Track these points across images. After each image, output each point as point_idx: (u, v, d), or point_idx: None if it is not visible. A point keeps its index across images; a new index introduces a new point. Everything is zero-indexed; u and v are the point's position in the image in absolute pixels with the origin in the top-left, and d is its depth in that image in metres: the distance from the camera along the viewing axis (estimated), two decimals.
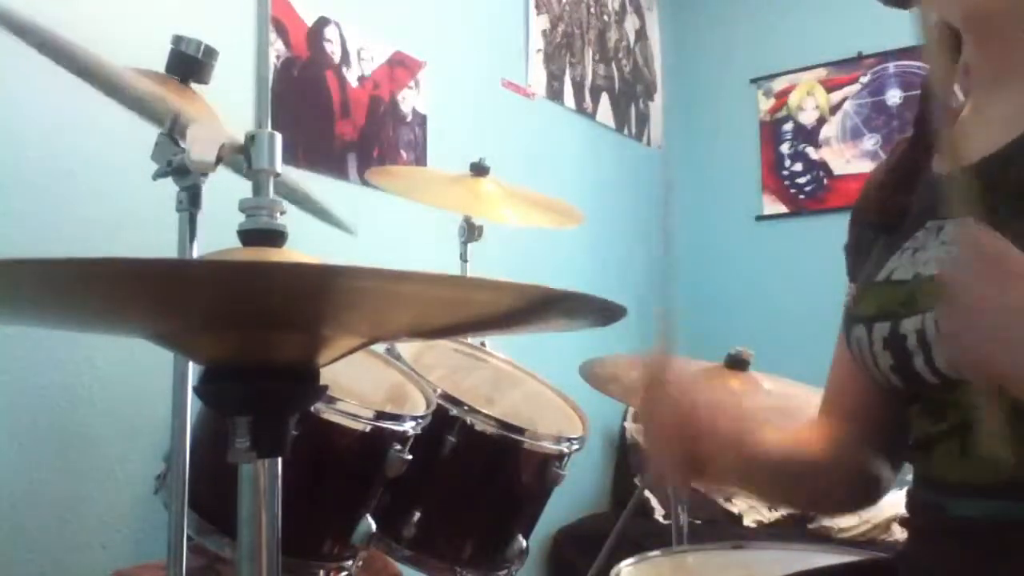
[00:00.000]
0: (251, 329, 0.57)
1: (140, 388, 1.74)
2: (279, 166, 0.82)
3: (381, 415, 1.34)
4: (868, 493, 0.97)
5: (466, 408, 1.50)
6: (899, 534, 2.48)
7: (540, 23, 3.07)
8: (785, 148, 3.67)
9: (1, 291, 0.52)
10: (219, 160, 0.87)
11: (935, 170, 0.89)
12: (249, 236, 0.74)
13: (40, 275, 0.47)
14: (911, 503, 0.88)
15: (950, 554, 0.81)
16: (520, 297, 0.56)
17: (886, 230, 0.90)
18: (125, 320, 0.64)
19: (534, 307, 0.60)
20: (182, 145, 1.01)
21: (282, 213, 0.75)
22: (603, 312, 0.60)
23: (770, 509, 2.78)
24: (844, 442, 0.95)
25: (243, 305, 0.53)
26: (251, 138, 0.81)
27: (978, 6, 0.82)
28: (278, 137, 0.82)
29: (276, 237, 0.74)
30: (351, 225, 1.46)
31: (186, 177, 1.13)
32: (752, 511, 2.78)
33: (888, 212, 0.91)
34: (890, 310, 0.83)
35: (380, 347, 1.56)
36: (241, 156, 0.82)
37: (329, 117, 2.26)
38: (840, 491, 0.97)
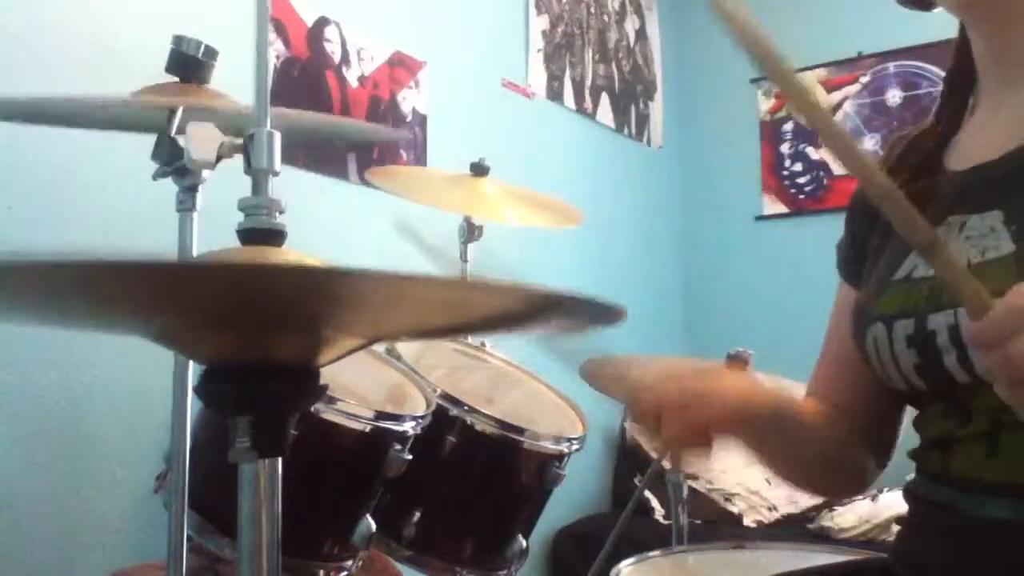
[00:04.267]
0: (251, 329, 0.57)
1: (140, 388, 1.74)
2: (278, 165, 0.82)
3: (381, 415, 1.34)
4: (855, 483, 0.97)
5: (466, 408, 1.50)
6: None
7: (540, 23, 3.07)
8: (785, 148, 3.67)
9: (1, 290, 0.52)
10: (219, 159, 0.87)
11: (950, 166, 0.88)
12: (248, 235, 0.74)
13: (40, 274, 0.47)
14: (914, 500, 0.88)
15: (958, 552, 0.80)
16: (521, 299, 0.56)
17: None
18: (125, 319, 0.64)
19: (535, 309, 0.60)
20: (181, 144, 1.01)
21: (281, 212, 0.75)
22: (603, 315, 0.60)
23: (770, 509, 2.78)
24: (834, 429, 0.94)
25: (243, 305, 0.53)
26: (250, 137, 0.81)
27: None
28: (277, 136, 0.82)
29: (275, 236, 0.74)
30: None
31: (186, 177, 1.13)
32: (752, 511, 2.78)
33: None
34: (913, 307, 0.81)
35: (380, 347, 1.56)
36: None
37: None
38: (830, 475, 0.97)
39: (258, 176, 0.80)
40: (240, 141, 0.84)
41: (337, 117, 1.39)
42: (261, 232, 0.74)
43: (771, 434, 0.90)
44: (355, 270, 0.47)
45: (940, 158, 0.90)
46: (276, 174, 0.81)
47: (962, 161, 0.87)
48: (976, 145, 0.87)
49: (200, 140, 0.85)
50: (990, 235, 0.78)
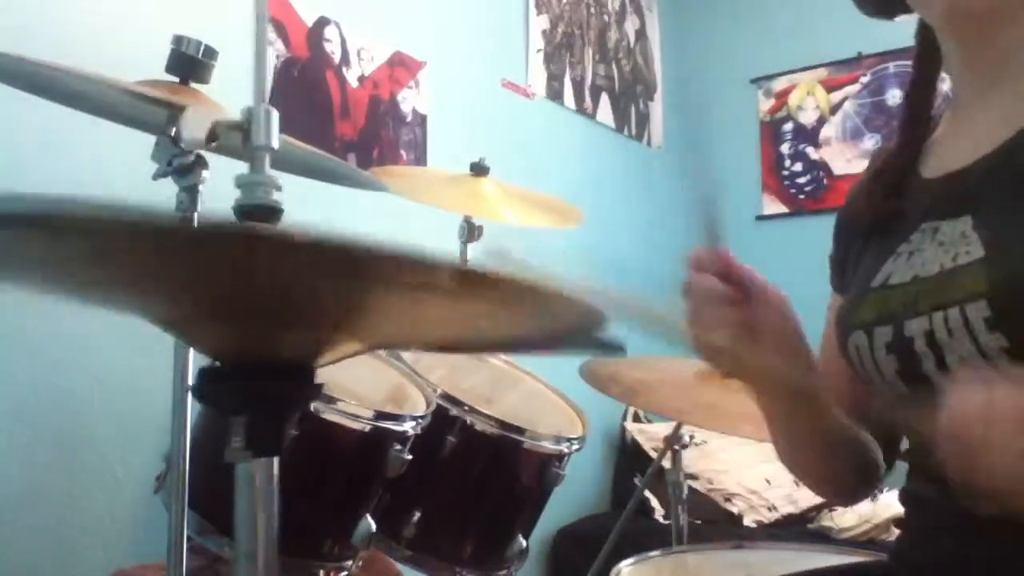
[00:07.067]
0: (256, 320, 0.53)
1: (140, 388, 1.74)
2: (276, 142, 0.81)
3: (381, 415, 1.34)
4: (869, 482, 0.96)
5: (466, 408, 1.50)
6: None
7: (540, 23, 3.07)
8: (785, 148, 3.67)
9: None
10: (212, 138, 0.86)
11: (924, 174, 0.90)
12: (244, 212, 0.73)
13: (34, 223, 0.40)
14: (910, 500, 0.89)
15: (950, 549, 0.81)
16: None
17: (877, 235, 0.91)
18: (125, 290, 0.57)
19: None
20: (180, 145, 1.01)
21: (278, 189, 0.74)
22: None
23: (770, 509, 2.78)
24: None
25: (250, 289, 0.48)
26: (248, 114, 0.80)
27: (959, 5, 0.81)
28: (275, 113, 0.81)
29: (272, 213, 0.73)
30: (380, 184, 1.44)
31: (186, 177, 1.13)
32: (752, 511, 2.77)
33: (880, 216, 0.91)
34: (891, 314, 0.82)
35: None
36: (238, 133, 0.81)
37: (329, 117, 2.26)
38: (848, 476, 0.95)
39: (256, 153, 0.79)
40: (233, 119, 0.82)
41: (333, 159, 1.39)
42: (257, 208, 0.73)
43: (802, 405, 0.88)
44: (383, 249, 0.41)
45: (915, 167, 0.91)
46: (274, 150, 0.80)
47: (936, 168, 0.89)
48: (949, 152, 0.88)
49: (192, 120, 0.84)
50: (961, 240, 0.80)
